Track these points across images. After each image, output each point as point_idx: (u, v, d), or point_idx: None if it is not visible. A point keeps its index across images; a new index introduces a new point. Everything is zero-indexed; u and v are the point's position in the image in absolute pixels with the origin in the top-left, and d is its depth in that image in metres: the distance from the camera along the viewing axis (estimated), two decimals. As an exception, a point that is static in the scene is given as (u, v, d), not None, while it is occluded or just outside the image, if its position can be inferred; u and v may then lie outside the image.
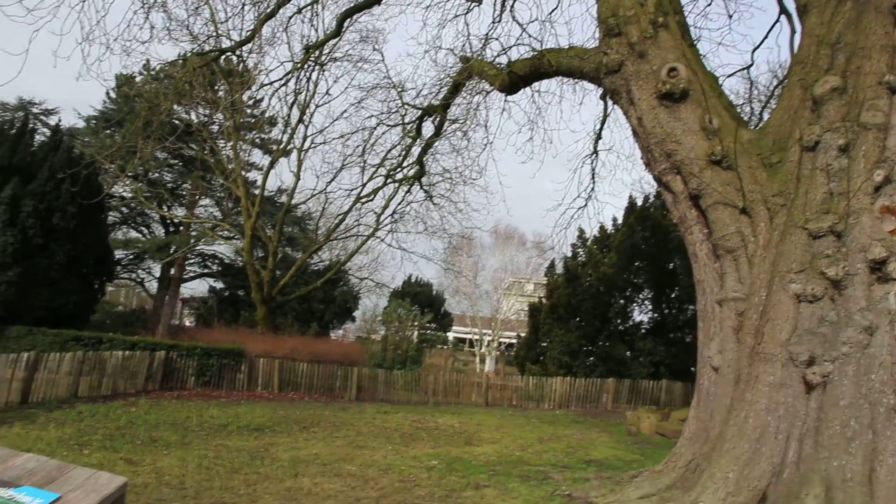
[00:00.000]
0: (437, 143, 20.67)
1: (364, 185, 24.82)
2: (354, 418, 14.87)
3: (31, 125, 21.64)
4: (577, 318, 23.07)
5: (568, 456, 11.30)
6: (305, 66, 16.79)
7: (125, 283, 40.20)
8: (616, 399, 20.74)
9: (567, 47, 10.78)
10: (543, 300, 25.06)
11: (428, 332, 39.41)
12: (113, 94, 33.56)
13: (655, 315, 23.27)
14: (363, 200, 25.21)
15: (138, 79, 29.11)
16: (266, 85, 16.06)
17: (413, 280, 43.92)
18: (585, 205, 14.98)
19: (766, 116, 14.37)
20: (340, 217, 26.61)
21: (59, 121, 25.06)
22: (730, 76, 12.63)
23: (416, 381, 21.25)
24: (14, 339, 17.41)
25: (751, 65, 10.61)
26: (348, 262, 29.71)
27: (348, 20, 15.95)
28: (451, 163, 26.97)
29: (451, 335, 48.74)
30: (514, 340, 41.29)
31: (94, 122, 33.67)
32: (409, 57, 41.66)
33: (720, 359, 7.59)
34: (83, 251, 19.57)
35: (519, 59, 11.87)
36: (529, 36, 14.56)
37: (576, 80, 13.95)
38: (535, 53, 11.27)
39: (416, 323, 30.96)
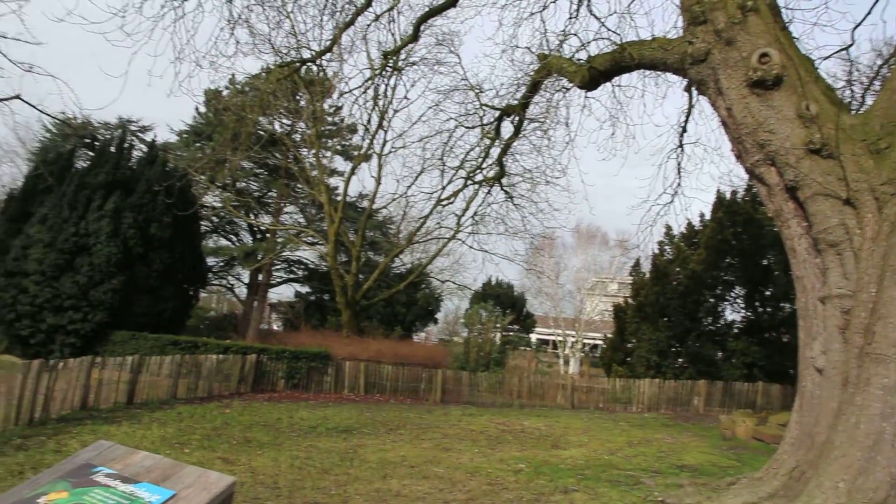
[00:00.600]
0: (516, 143, 20.55)
1: (444, 188, 24.97)
2: (440, 420, 14.92)
3: (129, 142, 22.96)
4: (665, 318, 22.33)
5: (659, 461, 10.93)
6: (384, 71, 17.07)
7: (216, 289, 42.08)
8: (708, 402, 19.93)
9: (649, 39, 10.46)
10: (629, 300, 24.42)
11: (510, 333, 39.19)
12: (202, 109, 35.27)
13: (748, 314, 22.20)
14: (443, 203, 25.35)
15: (225, 93, 30.48)
16: (346, 92, 16.41)
17: (494, 281, 43.82)
18: (671, 201, 14.45)
19: (869, 100, 13.46)
20: (421, 220, 26.86)
21: (155, 137, 26.50)
22: (827, 58, 11.88)
23: (500, 383, 21.16)
24: (119, 343, 18.49)
25: (851, 44, 9.90)
26: (430, 264, 29.94)
27: (424, 24, 16.07)
28: (532, 162, 26.70)
29: (533, 337, 48.30)
30: (598, 342, 40.50)
31: (185, 136, 35.48)
32: (486, 58, 41.67)
33: (824, 360, 7.13)
34: (179, 259, 20.59)
35: (599, 54, 11.61)
36: (608, 30, 14.21)
37: (659, 73, 13.52)
38: (616, 47, 10.99)
39: (498, 324, 30.84)
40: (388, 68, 16.90)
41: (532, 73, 15.42)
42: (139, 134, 35.74)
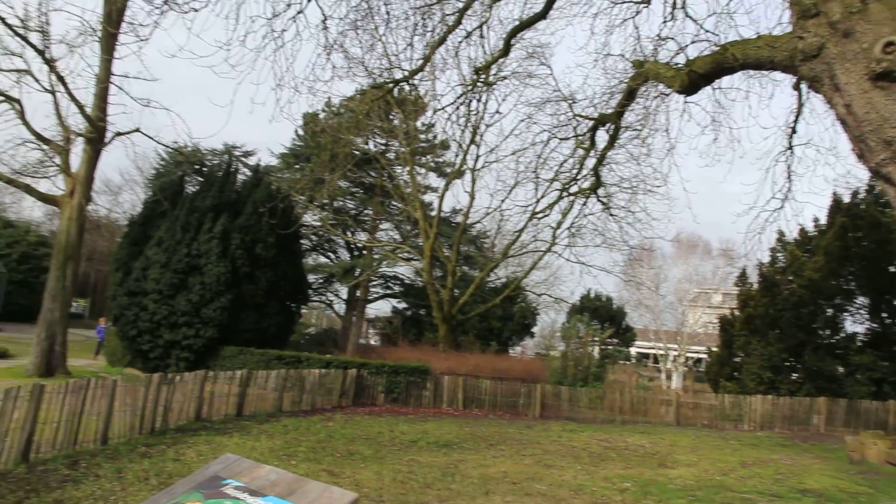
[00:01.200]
0: (612, 153, 20.07)
1: (538, 201, 24.70)
2: (540, 436, 14.67)
3: (234, 167, 24.19)
4: (777, 331, 21.03)
5: (777, 483, 10.25)
6: (475, 87, 17.13)
7: (316, 306, 43.49)
8: (830, 421, 18.55)
9: (753, 37, 9.95)
10: (736, 312, 23.22)
11: (609, 347, 38.16)
12: (300, 132, 36.75)
13: (874, 325, 20.55)
14: (538, 216, 25.08)
15: (321, 116, 31.65)
16: (439, 110, 16.55)
17: (592, 294, 42.90)
18: (781, 206, 13.59)
19: None
20: (516, 234, 26.70)
21: (259, 161, 27.75)
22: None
23: (600, 398, 20.58)
24: (228, 357, 19.38)
25: None
26: (526, 278, 29.68)
27: (515, 38, 16.01)
28: (630, 172, 25.83)
29: (633, 350, 46.84)
30: (701, 356, 38.76)
31: (285, 158, 37.11)
32: (579, 67, 41.22)
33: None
34: (282, 277, 21.40)
35: (698, 57, 11.15)
36: (706, 31, 13.62)
37: (764, 73, 12.87)
38: (718, 48, 10.52)
39: (596, 338, 30.12)
40: (479, 84, 16.95)
41: (627, 81, 15.01)
42: (243, 159, 37.76)
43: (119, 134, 18.62)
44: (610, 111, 16.51)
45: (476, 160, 26.10)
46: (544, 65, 26.59)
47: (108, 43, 17.20)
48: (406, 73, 15.61)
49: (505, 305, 31.22)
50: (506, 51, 15.90)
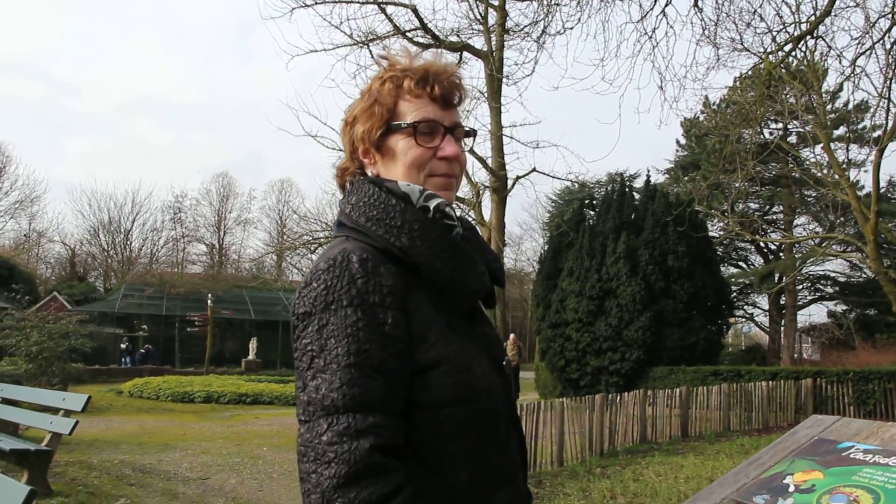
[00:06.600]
0: None
1: None
2: None
3: (627, 187, 23.95)
4: None
5: None
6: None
7: (732, 322, 40.14)
8: None
9: None
10: None
11: None
12: (681, 142, 35.10)
13: None
14: None
15: (701, 117, 29.59)
16: (859, 55, 13.55)
17: None
18: None
19: None
20: None
21: (649, 175, 27.03)
22: None
23: None
24: (658, 378, 18.54)
25: None
26: None
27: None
28: None
29: None
30: None
31: (671, 172, 35.68)
32: None
33: None
34: (701, 287, 19.92)
35: None
36: None
37: None
38: None
39: None
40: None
41: None
42: (628, 182, 37.57)
43: (518, 177, 19.92)
44: None
45: (914, 112, 21.02)
46: None
47: (495, 95, 18.71)
48: (804, 28, 13.27)
49: None
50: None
